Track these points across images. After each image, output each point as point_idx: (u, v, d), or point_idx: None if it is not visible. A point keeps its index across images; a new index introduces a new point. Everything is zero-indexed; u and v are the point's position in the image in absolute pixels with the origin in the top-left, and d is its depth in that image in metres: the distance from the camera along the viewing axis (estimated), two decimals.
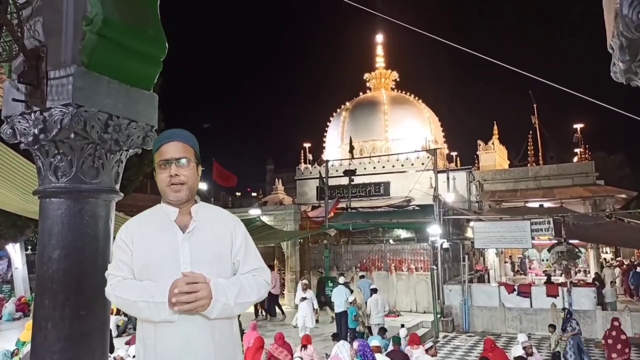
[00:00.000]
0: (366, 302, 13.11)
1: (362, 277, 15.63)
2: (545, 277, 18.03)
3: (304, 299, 13.01)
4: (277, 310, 16.28)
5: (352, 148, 25.27)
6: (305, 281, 14.34)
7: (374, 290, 13.24)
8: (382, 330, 10.94)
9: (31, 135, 2.32)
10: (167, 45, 2.61)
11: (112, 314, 10.04)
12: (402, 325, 11.67)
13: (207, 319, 1.66)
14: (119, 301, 1.68)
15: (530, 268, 24.42)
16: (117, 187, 2.51)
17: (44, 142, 2.31)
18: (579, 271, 21.60)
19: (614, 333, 10.14)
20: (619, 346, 9.91)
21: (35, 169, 2.46)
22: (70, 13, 2.31)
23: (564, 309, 12.19)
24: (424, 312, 16.15)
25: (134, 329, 12.92)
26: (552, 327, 11.19)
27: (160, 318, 1.62)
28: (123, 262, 1.73)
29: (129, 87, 2.50)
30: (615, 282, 17.65)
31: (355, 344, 8.32)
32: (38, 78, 2.26)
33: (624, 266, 21.24)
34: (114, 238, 2.35)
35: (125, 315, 13.84)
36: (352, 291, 13.88)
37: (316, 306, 13.14)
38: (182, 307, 1.58)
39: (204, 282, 1.61)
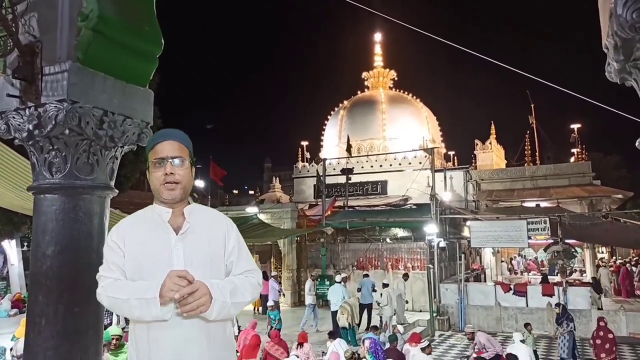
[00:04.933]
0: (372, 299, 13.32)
1: (365, 275, 15.56)
2: (541, 276, 18.09)
3: None
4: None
5: (349, 146, 25.29)
6: None
7: (385, 285, 13.54)
8: (374, 328, 10.94)
9: (25, 131, 2.31)
10: (163, 41, 2.60)
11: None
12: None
13: (202, 321, 1.62)
14: (111, 301, 1.64)
15: (527, 269, 24.39)
16: (112, 183, 2.50)
17: (39, 137, 2.30)
18: (575, 271, 21.64)
19: (601, 333, 10.13)
20: (607, 345, 9.90)
21: (30, 165, 2.45)
22: (66, 9, 2.29)
23: (558, 304, 12.22)
24: (420, 311, 16.18)
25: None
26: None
27: (152, 316, 1.57)
28: (114, 263, 1.69)
29: (125, 83, 2.49)
30: (612, 282, 17.71)
31: (367, 342, 8.38)
32: (33, 73, 2.25)
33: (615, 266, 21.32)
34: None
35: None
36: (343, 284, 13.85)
37: None
38: (185, 308, 1.54)
39: (200, 282, 1.57)
